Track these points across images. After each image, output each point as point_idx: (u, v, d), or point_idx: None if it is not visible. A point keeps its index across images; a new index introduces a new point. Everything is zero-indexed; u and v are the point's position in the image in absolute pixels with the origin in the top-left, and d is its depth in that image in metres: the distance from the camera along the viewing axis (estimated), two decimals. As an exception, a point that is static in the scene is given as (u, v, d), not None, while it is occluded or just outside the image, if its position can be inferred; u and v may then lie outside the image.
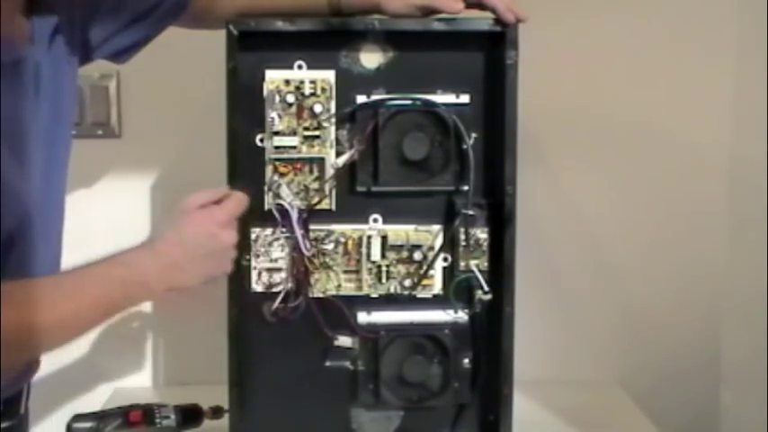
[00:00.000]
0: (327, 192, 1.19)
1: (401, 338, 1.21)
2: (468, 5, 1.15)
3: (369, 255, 1.20)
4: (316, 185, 1.19)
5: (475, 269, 1.20)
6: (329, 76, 1.18)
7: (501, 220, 1.18)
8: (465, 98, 1.19)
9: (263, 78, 1.17)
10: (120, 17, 1.14)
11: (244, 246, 1.18)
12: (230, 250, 1.07)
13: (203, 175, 1.45)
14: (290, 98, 1.17)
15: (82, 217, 1.51)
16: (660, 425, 1.46)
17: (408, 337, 1.21)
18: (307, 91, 1.18)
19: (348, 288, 1.21)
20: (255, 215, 1.18)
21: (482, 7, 1.15)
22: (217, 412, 1.33)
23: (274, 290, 1.20)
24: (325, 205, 1.19)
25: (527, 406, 1.40)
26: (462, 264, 1.20)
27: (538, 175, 1.57)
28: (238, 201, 1.09)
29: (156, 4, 1.16)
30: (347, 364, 1.22)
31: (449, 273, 1.21)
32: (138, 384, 1.60)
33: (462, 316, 1.22)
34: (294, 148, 1.18)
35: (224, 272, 1.09)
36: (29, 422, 1.16)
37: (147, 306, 1.60)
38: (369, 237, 1.20)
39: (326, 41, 1.17)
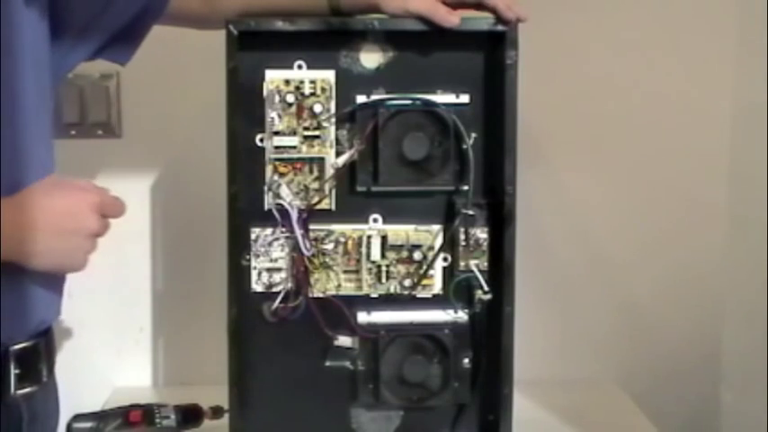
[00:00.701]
0: (327, 192, 1.19)
1: (401, 338, 1.21)
2: (467, 6, 1.15)
3: (369, 255, 1.20)
4: (316, 185, 1.19)
5: (475, 269, 1.20)
6: (329, 76, 1.18)
7: (501, 219, 1.18)
8: (465, 98, 1.19)
9: (263, 78, 1.17)
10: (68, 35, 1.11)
11: (244, 246, 1.19)
12: (91, 240, 0.99)
13: (203, 175, 1.46)
14: (290, 98, 1.17)
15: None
16: (660, 424, 1.46)
17: (408, 337, 1.21)
18: (307, 91, 1.18)
19: (348, 288, 1.21)
20: (255, 215, 1.19)
21: (480, 7, 1.15)
22: (217, 412, 1.33)
23: (274, 290, 1.20)
24: (325, 205, 1.19)
25: (527, 406, 1.40)
26: (462, 264, 1.20)
27: (538, 175, 1.57)
28: (120, 203, 1.02)
29: (104, 10, 1.13)
30: (347, 363, 1.22)
31: (449, 273, 1.21)
32: (138, 384, 1.60)
33: (462, 316, 1.22)
34: (294, 148, 1.18)
35: (75, 267, 1.01)
36: (59, 401, 1.14)
37: (147, 306, 1.60)
38: (369, 237, 1.20)
39: (326, 41, 1.17)
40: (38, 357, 1.06)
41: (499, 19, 1.15)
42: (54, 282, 1.07)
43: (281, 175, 1.18)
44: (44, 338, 1.07)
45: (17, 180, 0.98)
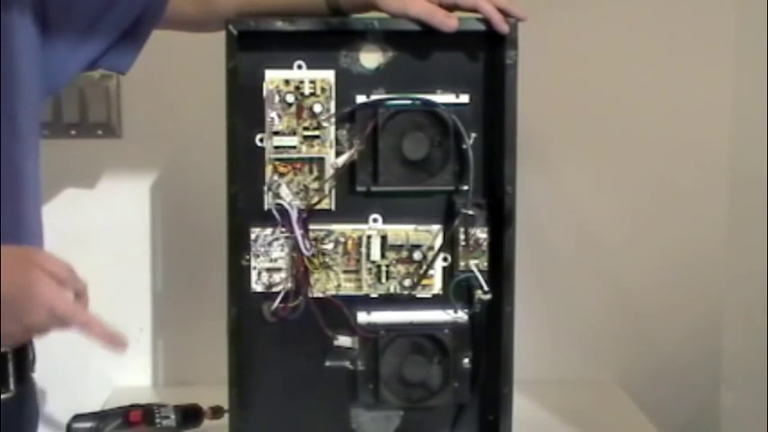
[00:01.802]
0: (327, 192, 1.19)
1: (401, 338, 1.21)
2: (462, 9, 1.15)
3: (368, 255, 1.20)
4: (315, 185, 1.19)
5: (474, 269, 1.20)
6: (329, 75, 1.18)
7: (501, 219, 1.18)
8: (465, 98, 1.19)
9: (262, 78, 1.17)
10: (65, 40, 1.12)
11: (243, 246, 1.19)
12: (46, 314, 0.92)
13: (203, 175, 1.46)
14: (290, 98, 1.17)
15: (82, 217, 1.52)
16: (660, 424, 1.46)
17: (408, 337, 1.21)
18: (306, 91, 1.18)
19: (348, 288, 1.21)
20: (255, 215, 1.19)
21: (476, 13, 1.15)
22: (217, 412, 1.33)
23: (274, 290, 1.20)
24: (324, 205, 1.19)
25: (527, 406, 1.40)
26: (462, 264, 1.20)
27: (538, 175, 1.57)
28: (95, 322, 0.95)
29: (101, 17, 1.14)
30: (347, 364, 1.22)
31: (448, 273, 1.21)
32: (138, 384, 1.60)
33: (462, 316, 1.22)
34: (294, 147, 1.18)
35: (26, 339, 0.98)
36: (36, 411, 1.14)
37: (147, 306, 1.60)
38: (368, 237, 1.20)
39: (326, 41, 1.17)
40: (4, 366, 1.05)
41: (492, 29, 1.15)
42: None
43: (281, 174, 1.18)
44: (13, 347, 1.06)
45: (7, 195, 0.99)
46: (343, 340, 1.21)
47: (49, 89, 1.13)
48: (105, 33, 1.14)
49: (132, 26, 1.16)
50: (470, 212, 1.18)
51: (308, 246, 1.19)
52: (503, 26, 1.14)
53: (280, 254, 1.20)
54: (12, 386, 1.06)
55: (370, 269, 1.21)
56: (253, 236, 1.19)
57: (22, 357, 1.09)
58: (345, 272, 1.21)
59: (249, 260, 1.19)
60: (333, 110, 1.18)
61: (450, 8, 1.15)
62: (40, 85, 1.09)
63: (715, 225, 1.64)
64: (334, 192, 1.19)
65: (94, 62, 1.16)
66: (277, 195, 1.18)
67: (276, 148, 1.18)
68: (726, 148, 1.63)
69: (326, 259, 1.20)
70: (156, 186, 1.58)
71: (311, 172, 1.19)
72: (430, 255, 1.21)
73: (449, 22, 1.13)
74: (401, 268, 1.21)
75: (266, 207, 1.19)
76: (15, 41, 1.04)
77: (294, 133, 1.18)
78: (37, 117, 1.10)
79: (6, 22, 1.03)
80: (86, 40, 1.13)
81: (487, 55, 1.19)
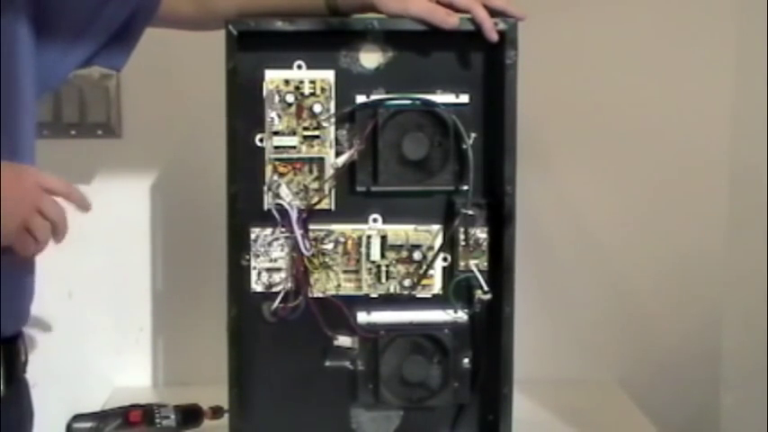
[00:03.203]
0: (327, 192, 1.19)
1: (401, 338, 1.21)
2: (458, 11, 1.15)
3: (368, 254, 1.20)
4: (315, 185, 1.19)
5: (474, 269, 1.20)
6: (329, 75, 1.18)
7: (500, 219, 1.18)
8: (464, 98, 1.19)
9: (262, 78, 1.17)
10: (60, 40, 1.13)
11: (243, 246, 1.19)
12: (34, 215, 0.99)
13: (203, 175, 1.46)
14: (290, 98, 1.17)
15: (82, 217, 1.52)
16: (660, 424, 1.46)
17: (408, 337, 1.21)
18: (306, 91, 1.18)
19: (348, 288, 1.21)
20: (255, 215, 1.19)
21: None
22: (217, 412, 1.33)
23: (274, 290, 1.20)
24: (324, 205, 1.19)
25: (527, 406, 1.40)
26: (462, 263, 1.20)
27: (538, 175, 1.57)
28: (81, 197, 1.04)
29: (94, 16, 1.14)
30: (347, 363, 1.22)
31: (448, 273, 1.21)
32: (138, 384, 1.60)
33: (462, 316, 1.22)
34: (294, 147, 1.18)
35: (6, 231, 0.97)
36: (30, 411, 1.14)
37: (147, 306, 1.60)
38: (368, 236, 1.20)
39: (326, 41, 1.17)
40: None
41: (482, 35, 1.15)
42: (12, 294, 1.06)
43: (281, 175, 1.19)
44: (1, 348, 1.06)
45: None
46: (343, 340, 1.21)
47: (44, 89, 1.13)
48: (98, 33, 1.14)
49: (125, 25, 1.16)
50: (470, 212, 1.18)
51: (307, 246, 1.19)
52: (492, 34, 1.14)
53: (280, 254, 1.20)
54: (1, 387, 1.06)
55: (369, 269, 1.21)
56: (253, 236, 1.19)
57: (13, 358, 1.09)
58: (345, 272, 1.21)
59: (249, 260, 1.19)
60: (333, 110, 1.18)
61: (447, 8, 1.15)
62: (35, 86, 1.09)
63: (715, 225, 1.64)
64: (334, 192, 1.19)
65: (88, 61, 1.16)
66: (277, 195, 1.18)
67: (276, 148, 1.18)
68: (726, 149, 1.63)
69: (326, 259, 1.20)
70: (156, 186, 1.58)
71: (311, 172, 1.19)
72: (430, 255, 1.21)
73: (449, 19, 1.13)
74: (401, 268, 1.21)
75: (266, 207, 1.19)
76: (12, 44, 1.04)
77: (294, 133, 1.18)
78: (33, 118, 1.10)
79: (3, 24, 1.03)
80: (79, 40, 1.13)
81: (487, 55, 1.19)
